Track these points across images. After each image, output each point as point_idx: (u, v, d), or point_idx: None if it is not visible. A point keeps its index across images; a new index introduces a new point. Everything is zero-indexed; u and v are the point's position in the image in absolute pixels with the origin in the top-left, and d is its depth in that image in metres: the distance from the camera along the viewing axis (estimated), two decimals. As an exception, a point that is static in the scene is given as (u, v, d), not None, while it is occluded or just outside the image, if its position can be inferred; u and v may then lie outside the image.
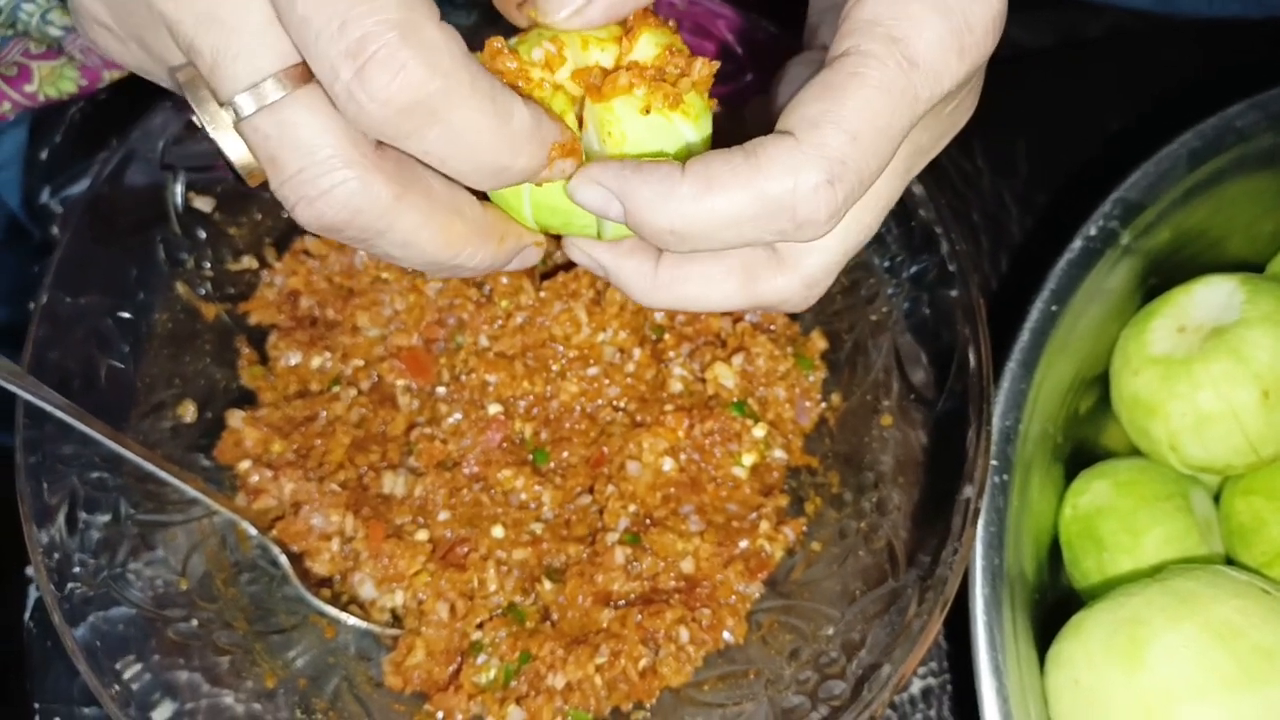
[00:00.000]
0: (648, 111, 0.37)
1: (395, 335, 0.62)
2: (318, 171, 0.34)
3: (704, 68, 0.38)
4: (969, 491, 0.51)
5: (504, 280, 0.61)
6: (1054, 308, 0.57)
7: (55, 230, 0.73)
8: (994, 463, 0.54)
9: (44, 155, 0.75)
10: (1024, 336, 0.56)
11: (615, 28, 0.39)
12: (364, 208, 0.34)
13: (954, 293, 0.55)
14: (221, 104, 0.34)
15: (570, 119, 0.38)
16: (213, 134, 0.35)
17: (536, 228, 0.41)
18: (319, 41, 0.32)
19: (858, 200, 0.36)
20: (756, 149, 0.35)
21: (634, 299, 0.43)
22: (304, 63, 0.33)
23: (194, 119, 0.35)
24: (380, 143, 0.35)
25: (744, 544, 0.58)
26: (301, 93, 0.33)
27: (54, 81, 0.71)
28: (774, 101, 0.43)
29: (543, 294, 0.61)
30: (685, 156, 0.38)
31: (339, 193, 0.34)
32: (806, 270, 0.41)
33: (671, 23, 0.39)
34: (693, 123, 0.38)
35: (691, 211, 0.35)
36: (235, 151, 0.35)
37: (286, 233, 0.63)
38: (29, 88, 0.71)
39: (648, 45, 0.38)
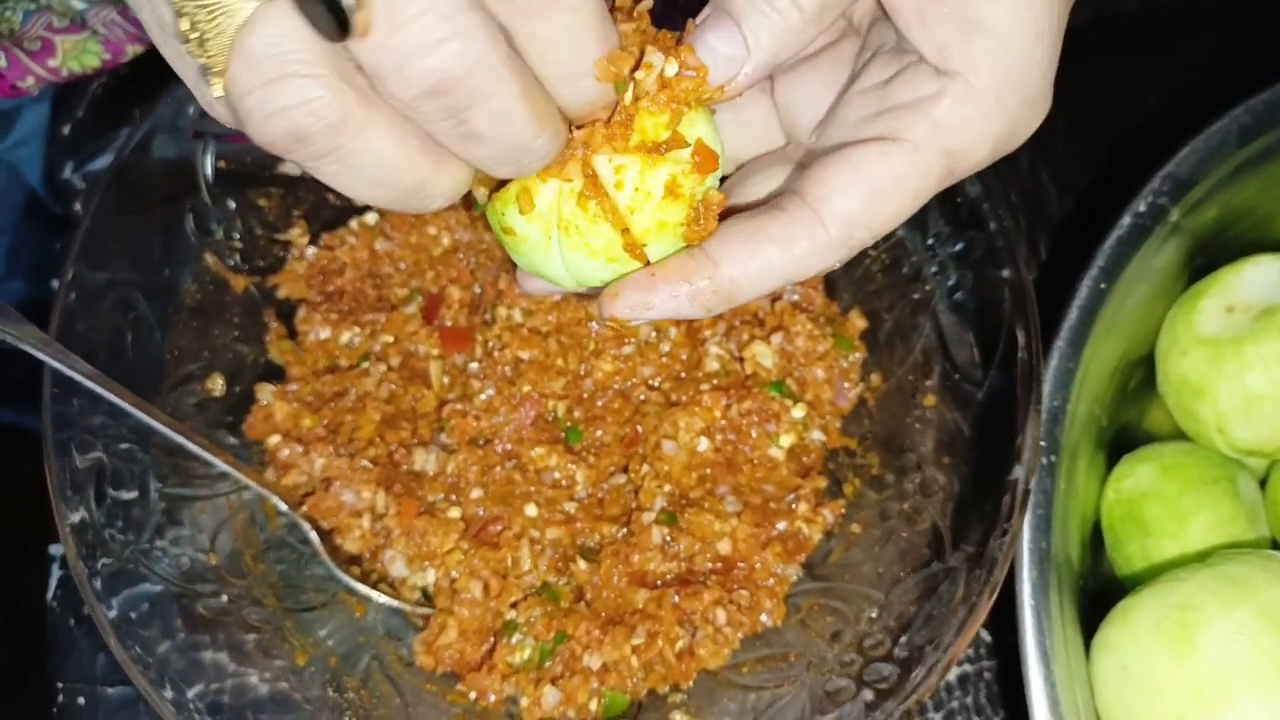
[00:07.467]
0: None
1: (429, 284, 0.61)
2: (443, 13, 0.31)
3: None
4: (1019, 473, 0.50)
5: None
6: (1103, 285, 0.55)
7: (77, 206, 0.73)
8: (1042, 444, 0.52)
9: (66, 130, 0.74)
10: (1072, 315, 0.55)
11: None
12: (472, 67, 0.32)
13: (1003, 271, 0.54)
14: None
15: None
16: None
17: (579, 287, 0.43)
18: None
19: None
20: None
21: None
22: None
23: None
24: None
25: (782, 525, 0.57)
26: None
27: (77, 56, 0.70)
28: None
29: None
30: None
31: (454, 45, 0.32)
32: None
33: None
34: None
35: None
36: None
37: (317, 205, 0.62)
38: (52, 62, 0.70)
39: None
